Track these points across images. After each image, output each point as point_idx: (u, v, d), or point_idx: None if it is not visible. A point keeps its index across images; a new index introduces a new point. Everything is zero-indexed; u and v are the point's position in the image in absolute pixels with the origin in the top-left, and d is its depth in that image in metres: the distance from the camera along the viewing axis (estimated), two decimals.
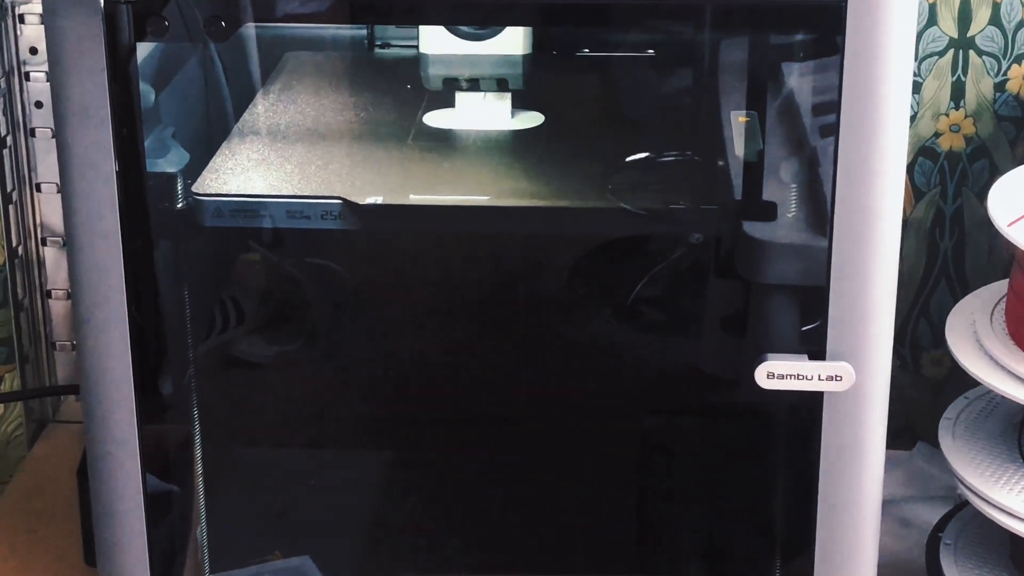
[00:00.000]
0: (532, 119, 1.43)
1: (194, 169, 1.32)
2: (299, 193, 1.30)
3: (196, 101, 1.45)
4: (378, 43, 1.54)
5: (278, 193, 1.30)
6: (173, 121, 1.35)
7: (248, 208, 1.30)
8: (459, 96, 1.41)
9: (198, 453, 1.37)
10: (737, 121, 1.30)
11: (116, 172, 1.14)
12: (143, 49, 1.18)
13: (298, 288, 1.45)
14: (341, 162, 1.36)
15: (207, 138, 1.44)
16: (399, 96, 1.48)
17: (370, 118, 1.45)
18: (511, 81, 1.38)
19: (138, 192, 1.17)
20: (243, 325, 1.46)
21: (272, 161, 1.35)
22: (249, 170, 1.33)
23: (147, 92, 1.25)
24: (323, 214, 1.28)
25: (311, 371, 1.48)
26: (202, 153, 1.37)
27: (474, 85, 1.39)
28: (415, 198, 1.30)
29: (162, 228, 1.25)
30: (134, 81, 1.15)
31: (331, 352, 1.49)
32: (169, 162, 1.29)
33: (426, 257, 1.43)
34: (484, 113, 1.41)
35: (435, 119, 1.43)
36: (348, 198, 1.28)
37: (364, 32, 1.54)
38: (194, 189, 1.29)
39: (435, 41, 1.37)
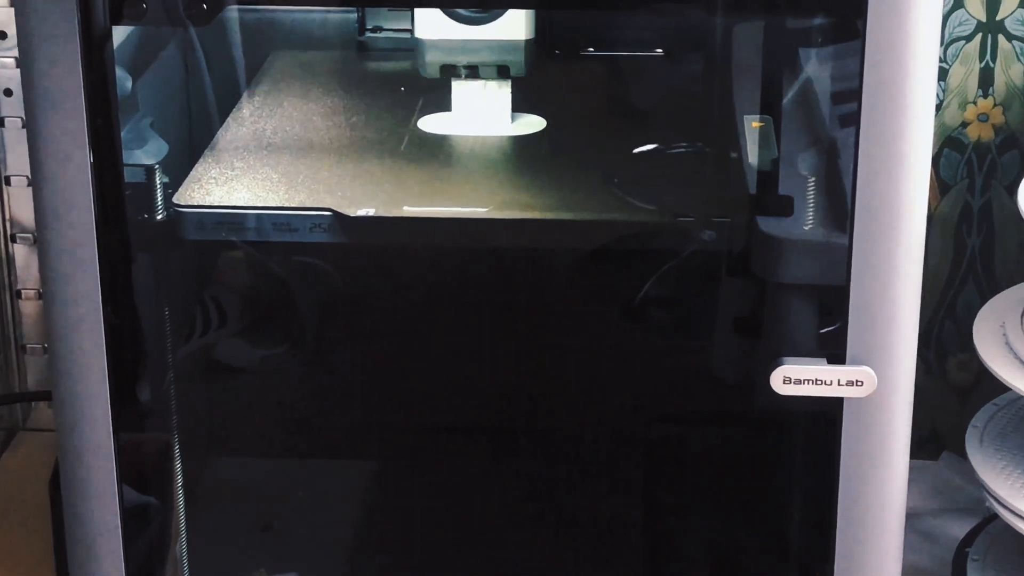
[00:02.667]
0: (534, 124, 1.42)
1: (173, 165, 1.32)
2: (286, 205, 1.30)
3: (176, 90, 1.45)
4: (369, 28, 1.54)
5: (264, 205, 1.30)
6: (151, 110, 1.35)
7: (233, 221, 1.30)
8: (456, 99, 1.41)
9: (178, 463, 1.37)
10: (751, 126, 1.30)
11: (91, 164, 1.14)
12: (119, 33, 1.18)
13: (284, 288, 1.45)
14: (331, 171, 1.36)
15: (187, 129, 1.44)
16: (392, 99, 1.48)
17: (361, 123, 1.44)
18: (513, 68, 1.38)
19: (114, 185, 1.17)
20: (226, 327, 1.46)
21: (258, 170, 1.35)
22: (233, 180, 1.33)
23: (123, 79, 1.25)
24: (312, 227, 1.29)
25: (298, 376, 1.48)
26: (181, 145, 1.37)
27: (473, 72, 1.39)
28: (409, 210, 1.30)
29: (141, 239, 1.25)
30: (110, 67, 1.15)
31: (319, 356, 1.49)
32: (147, 153, 1.29)
33: (421, 271, 1.43)
34: (482, 118, 1.41)
35: (430, 124, 1.43)
36: (338, 210, 1.28)
37: (354, 17, 1.54)
38: (175, 200, 1.29)
39: (431, 25, 1.37)
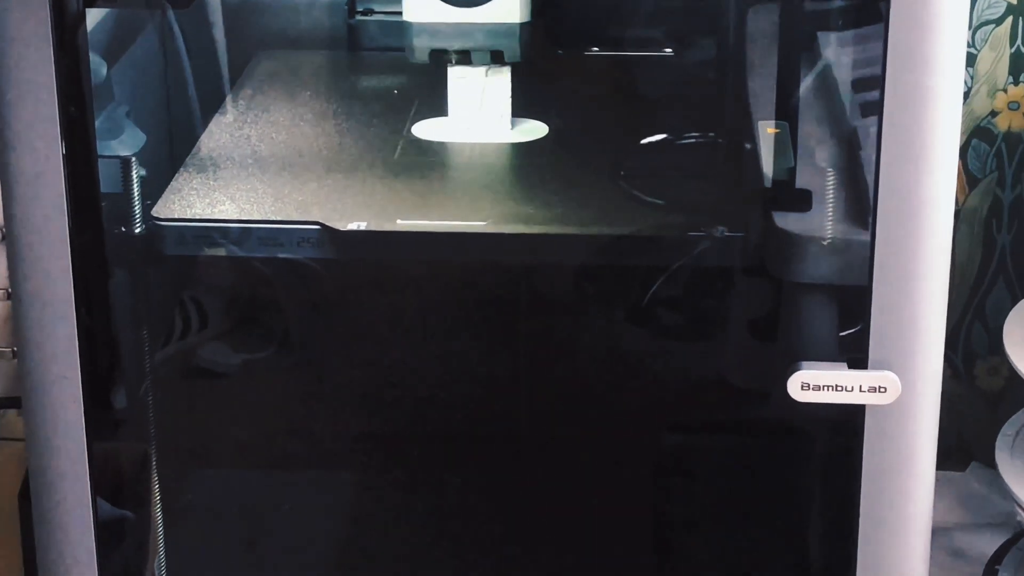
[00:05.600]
0: (534, 130, 1.42)
1: (150, 157, 1.32)
2: (273, 218, 1.30)
3: (154, 78, 1.45)
4: (359, 11, 1.54)
5: (249, 218, 1.30)
6: (127, 98, 1.35)
7: (215, 234, 1.30)
8: (452, 102, 1.41)
9: (155, 474, 1.37)
10: (766, 132, 1.30)
11: (63, 154, 1.14)
12: (93, 16, 1.18)
13: (268, 288, 1.45)
14: (320, 182, 1.35)
15: (167, 120, 1.44)
16: (384, 103, 1.47)
17: (352, 130, 1.44)
18: (507, 53, 1.38)
19: (87, 177, 1.17)
20: (206, 330, 1.46)
21: (242, 180, 1.35)
22: (216, 191, 1.33)
23: (98, 65, 1.25)
24: (300, 241, 1.28)
25: (282, 382, 1.48)
26: (160, 136, 1.37)
27: (464, 58, 1.39)
28: (403, 223, 1.30)
29: (119, 252, 1.25)
30: (83, 52, 1.15)
31: (305, 361, 1.49)
32: (123, 144, 1.29)
33: (416, 287, 1.43)
34: (480, 123, 1.41)
35: (424, 130, 1.43)
36: (328, 223, 1.28)
37: (344, 0, 1.55)
38: (154, 213, 1.29)
39: (421, 8, 1.36)
